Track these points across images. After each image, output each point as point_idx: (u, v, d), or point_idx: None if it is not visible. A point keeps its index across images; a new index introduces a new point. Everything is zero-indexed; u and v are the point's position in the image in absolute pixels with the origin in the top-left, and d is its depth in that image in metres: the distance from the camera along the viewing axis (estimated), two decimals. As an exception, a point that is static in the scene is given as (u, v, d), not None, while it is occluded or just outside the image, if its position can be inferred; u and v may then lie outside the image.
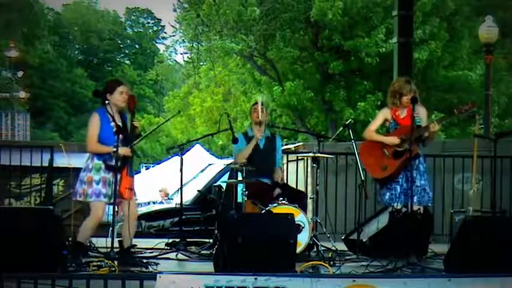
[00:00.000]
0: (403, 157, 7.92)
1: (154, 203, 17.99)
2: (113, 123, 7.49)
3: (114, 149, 7.39)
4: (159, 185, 19.91)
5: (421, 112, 8.15)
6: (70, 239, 8.00)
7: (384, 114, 8.31)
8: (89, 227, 7.71)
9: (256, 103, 9.40)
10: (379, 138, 8.16)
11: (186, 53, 30.33)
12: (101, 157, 7.60)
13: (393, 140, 8.04)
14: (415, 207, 7.95)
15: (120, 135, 7.43)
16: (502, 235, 6.95)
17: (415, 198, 7.96)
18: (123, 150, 7.48)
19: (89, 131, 7.71)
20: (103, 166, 7.59)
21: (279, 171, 9.22)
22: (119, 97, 7.65)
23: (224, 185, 10.41)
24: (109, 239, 7.56)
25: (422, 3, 23.14)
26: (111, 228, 7.67)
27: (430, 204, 8.33)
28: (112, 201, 7.48)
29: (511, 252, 6.83)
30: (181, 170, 9.43)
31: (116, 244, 7.54)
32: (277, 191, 8.90)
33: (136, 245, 8.33)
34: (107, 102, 7.62)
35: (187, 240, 9.38)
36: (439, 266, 7.58)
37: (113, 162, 7.45)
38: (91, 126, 7.68)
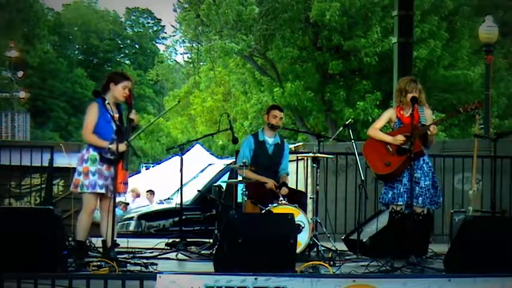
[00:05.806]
0: (407, 154, 7.86)
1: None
2: (110, 116, 7.38)
3: (110, 146, 7.32)
4: (155, 185, 20.02)
5: (427, 113, 8.15)
6: (70, 239, 7.99)
7: (389, 114, 8.29)
8: (83, 221, 7.51)
9: (275, 107, 9.35)
10: (384, 138, 8.09)
11: (186, 53, 30.34)
12: (97, 149, 7.46)
13: (398, 138, 7.99)
14: (419, 209, 7.94)
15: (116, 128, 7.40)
16: (502, 235, 6.95)
17: (420, 200, 7.92)
18: (121, 147, 7.33)
19: (86, 119, 7.54)
20: (98, 158, 7.45)
21: (287, 179, 9.21)
22: (121, 91, 7.50)
23: (224, 185, 10.42)
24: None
25: (419, 1, 23.10)
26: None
27: (434, 208, 8.26)
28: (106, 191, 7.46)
29: (511, 252, 6.84)
30: (181, 170, 9.44)
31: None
32: (284, 190, 8.88)
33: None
34: (108, 92, 7.52)
35: (187, 240, 9.39)
36: (439, 266, 7.59)
37: (108, 155, 7.39)
38: (89, 115, 7.51)
